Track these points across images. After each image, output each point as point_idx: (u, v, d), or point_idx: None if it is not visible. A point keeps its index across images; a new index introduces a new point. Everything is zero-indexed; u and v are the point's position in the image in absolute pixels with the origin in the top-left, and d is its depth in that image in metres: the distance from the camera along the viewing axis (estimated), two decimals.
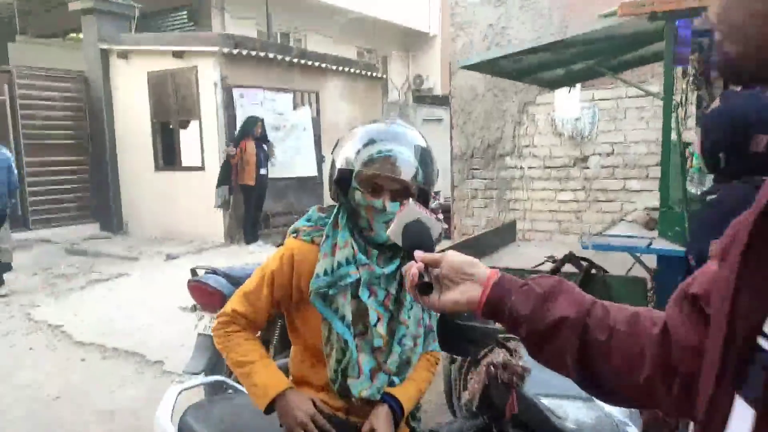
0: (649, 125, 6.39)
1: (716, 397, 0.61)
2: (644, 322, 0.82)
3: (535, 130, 7.07)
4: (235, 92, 8.97)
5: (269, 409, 1.52)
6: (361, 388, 1.51)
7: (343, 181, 1.56)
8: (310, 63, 9.99)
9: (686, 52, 3.13)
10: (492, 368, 1.39)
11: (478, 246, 4.22)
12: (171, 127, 9.64)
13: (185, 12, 11.65)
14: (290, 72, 9.81)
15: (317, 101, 10.38)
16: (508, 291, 0.89)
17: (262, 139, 8.57)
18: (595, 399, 1.46)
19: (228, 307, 1.60)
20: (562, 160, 6.96)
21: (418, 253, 0.99)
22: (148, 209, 9.84)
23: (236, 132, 8.68)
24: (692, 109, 3.75)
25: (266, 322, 1.68)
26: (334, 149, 1.63)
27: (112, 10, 9.86)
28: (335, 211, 1.59)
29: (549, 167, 7.03)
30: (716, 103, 1.74)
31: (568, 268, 3.36)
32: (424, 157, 1.52)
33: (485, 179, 7.60)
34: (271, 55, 9.26)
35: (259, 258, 7.92)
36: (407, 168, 1.48)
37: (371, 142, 1.50)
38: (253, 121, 8.51)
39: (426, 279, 0.94)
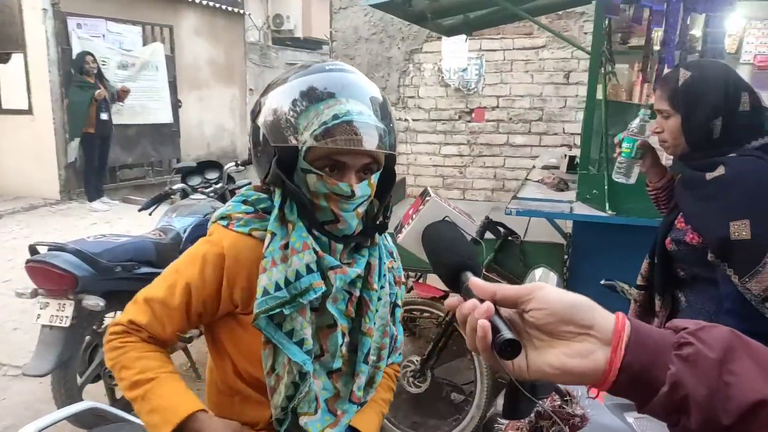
0: (534, 79, 6.35)
1: None
2: None
3: (422, 81, 6.73)
4: (71, 21, 7.62)
5: None
6: (321, 426, 1.18)
7: (282, 161, 1.11)
8: None
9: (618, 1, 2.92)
10: (536, 419, 0.98)
11: None
12: None
13: None
14: (138, 0, 8.48)
15: (171, 36, 9.14)
16: (654, 356, 0.57)
17: (99, 78, 7.25)
18: None
19: (123, 316, 1.20)
20: (448, 113, 6.72)
21: (478, 283, 0.65)
22: None
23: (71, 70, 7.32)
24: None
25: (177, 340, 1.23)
26: (256, 114, 1.15)
27: None
28: (278, 200, 1.13)
29: (434, 120, 6.77)
30: (684, 74, 1.58)
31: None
32: (385, 111, 1.15)
33: None
34: None
35: (105, 218, 6.99)
36: (372, 133, 1.10)
37: (318, 101, 1.09)
38: (80, 57, 7.19)
39: (508, 334, 0.59)
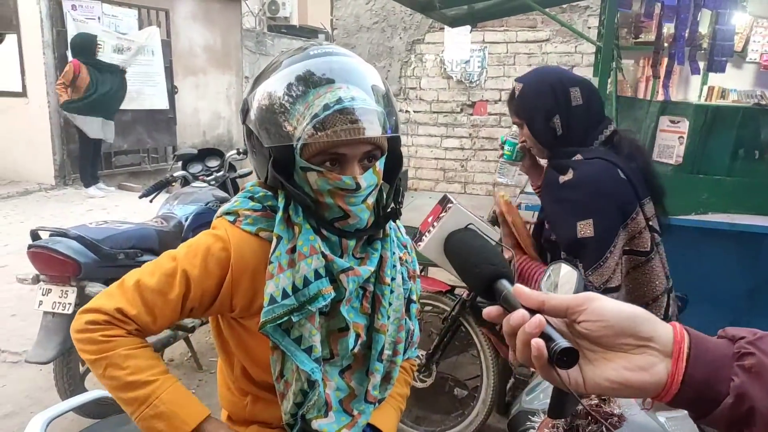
0: None
1: None
2: None
3: (423, 72, 6.67)
4: (65, 3, 7.47)
5: None
6: (338, 426, 1.12)
7: (279, 162, 1.04)
8: None
9: None
10: (572, 419, 0.95)
11: None
12: None
13: None
14: None
15: (167, 21, 9.01)
16: (716, 367, 0.56)
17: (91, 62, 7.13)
18: None
19: (107, 302, 1.05)
20: (450, 105, 6.67)
21: (524, 292, 0.62)
22: None
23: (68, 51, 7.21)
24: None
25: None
26: (245, 115, 1.07)
27: None
28: (281, 202, 1.06)
29: (436, 112, 6.71)
30: (517, 86, 1.74)
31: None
32: (381, 92, 1.06)
33: None
34: None
35: (102, 204, 6.90)
36: (369, 118, 1.01)
37: (306, 92, 1.00)
38: (89, 39, 7.09)
39: (564, 343, 0.57)
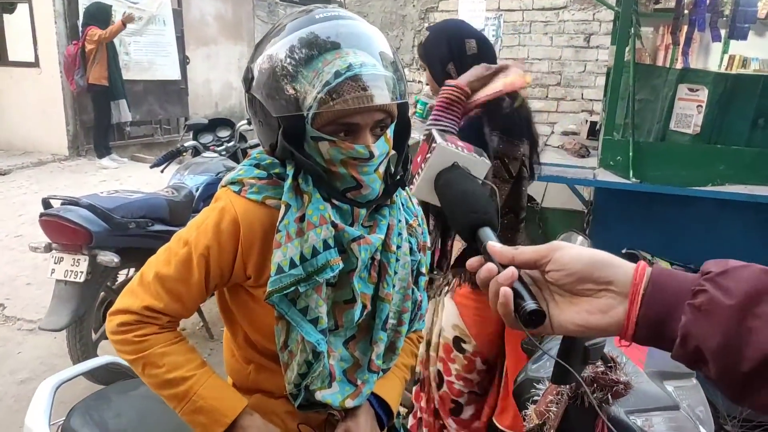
0: (553, 41, 6.16)
1: None
2: None
3: None
4: None
5: None
6: (342, 396, 1.11)
7: (288, 131, 1.01)
8: None
9: None
10: (577, 385, 0.93)
11: None
12: None
13: None
14: None
15: None
16: (671, 306, 0.57)
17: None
18: (680, 407, 1.10)
19: (132, 301, 1.07)
20: None
21: (496, 248, 0.66)
22: None
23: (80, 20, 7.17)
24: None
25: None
26: (249, 83, 1.04)
27: None
28: (291, 171, 1.03)
29: None
30: (424, 34, 1.96)
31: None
32: (389, 57, 1.03)
33: None
34: None
35: (115, 175, 6.94)
36: (381, 85, 0.99)
37: (315, 58, 0.97)
38: (104, 8, 7.06)
39: (532, 305, 0.61)
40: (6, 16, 7.92)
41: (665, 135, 2.94)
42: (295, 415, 1.17)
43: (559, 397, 0.94)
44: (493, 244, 0.68)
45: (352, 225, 1.06)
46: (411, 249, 1.18)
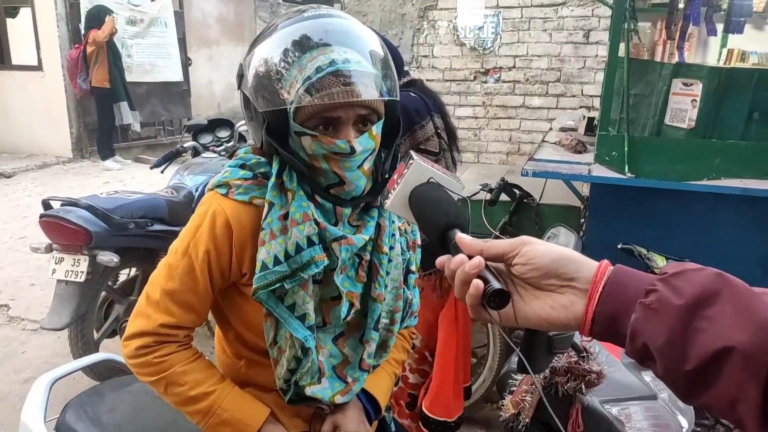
0: (552, 38, 6.16)
1: None
2: None
3: (436, 39, 6.57)
4: None
5: None
6: (332, 392, 1.13)
7: (272, 127, 1.03)
8: None
9: None
10: (551, 375, 0.95)
11: None
12: None
13: None
14: None
15: None
16: (625, 304, 0.59)
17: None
18: (658, 397, 1.11)
19: (145, 323, 1.08)
20: (463, 73, 6.57)
21: (465, 240, 0.68)
22: None
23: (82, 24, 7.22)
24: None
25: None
26: (240, 80, 1.06)
27: None
28: (275, 168, 1.05)
29: (449, 80, 6.63)
30: None
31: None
32: (377, 54, 1.04)
33: None
34: None
35: (119, 177, 6.99)
36: (363, 80, 1.00)
37: (299, 55, 0.99)
38: (105, 11, 7.10)
39: (497, 284, 0.62)
40: (9, 20, 7.98)
41: (660, 130, 2.94)
42: (286, 408, 1.19)
43: (533, 386, 0.95)
44: (462, 236, 0.69)
45: (336, 224, 1.07)
46: (402, 248, 1.19)
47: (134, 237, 2.74)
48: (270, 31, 1.04)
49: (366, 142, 1.02)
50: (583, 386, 0.93)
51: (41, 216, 2.56)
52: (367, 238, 1.08)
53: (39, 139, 7.84)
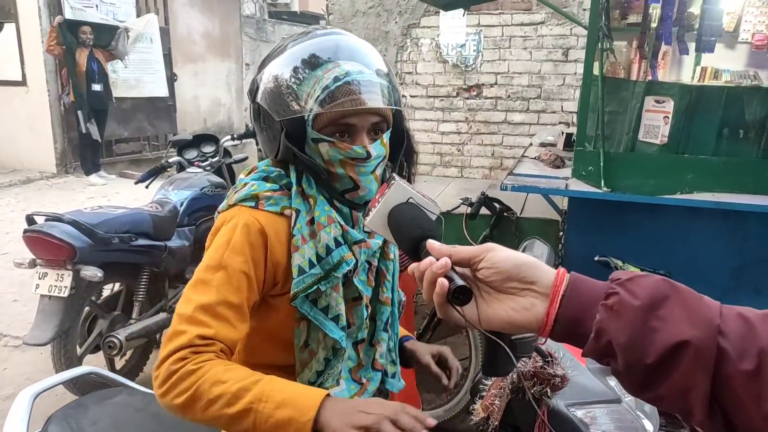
0: (532, 56, 6.30)
1: None
2: None
3: (419, 57, 6.67)
4: None
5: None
6: (348, 395, 1.18)
7: (290, 134, 1.09)
8: None
9: None
10: (518, 379, 1.00)
11: None
12: None
13: None
14: None
15: (165, 8, 9.02)
16: (586, 307, 0.64)
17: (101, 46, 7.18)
18: (622, 401, 1.17)
19: (181, 339, 0.99)
20: (446, 89, 6.68)
21: (435, 245, 0.73)
22: None
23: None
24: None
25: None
26: (254, 93, 1.13)
27: None
28: (293, 175, 1.12)
29: (432, 96, 6.73)
30: None
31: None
32: (384, 69, 1.13)
33: None
34: None
35: (103, 192, 6.97)
36: (375, 90, 1.08)
37: (316, 67, 1.07)
38: (75, 24, 7.13)
39: (460, 281, 0.67)
40: None
41: (634, 145, 3.03)
42: None
43: (502, 391, 1.00)
44: (432, 242, 0.74)
45: (352, 227, 1.14)
46: (395, 255, 1.26)
47: (118, 252, 2.76)
48: (282, 49, 1.12)
49: (379, 149, 1.10)
50: (549, 390, 0.98)
51: (25, 231, 2.56)
52: (380, 242, 1.17)
53: (23, 154, 7.81)
